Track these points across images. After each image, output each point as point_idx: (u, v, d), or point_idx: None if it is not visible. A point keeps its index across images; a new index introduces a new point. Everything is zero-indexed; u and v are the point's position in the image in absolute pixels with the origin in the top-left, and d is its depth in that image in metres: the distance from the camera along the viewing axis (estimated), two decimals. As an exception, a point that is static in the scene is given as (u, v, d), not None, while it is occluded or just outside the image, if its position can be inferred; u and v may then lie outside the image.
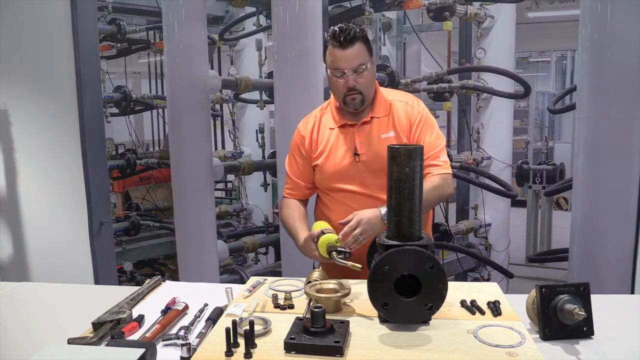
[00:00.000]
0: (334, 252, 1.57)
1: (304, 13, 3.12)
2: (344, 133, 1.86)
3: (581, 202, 2.78)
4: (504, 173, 4.96)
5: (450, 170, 1.84)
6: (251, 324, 1.19)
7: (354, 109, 1.83)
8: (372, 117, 1.85)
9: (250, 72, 5.28)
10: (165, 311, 1.46)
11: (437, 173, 1.80)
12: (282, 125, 3.23)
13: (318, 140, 1.90)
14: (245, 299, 1.50)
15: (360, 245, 1.64)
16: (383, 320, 1.33)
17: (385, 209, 1.63)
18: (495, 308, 1.38)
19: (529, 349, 1.19)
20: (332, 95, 1.92)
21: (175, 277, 4.15)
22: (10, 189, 2.66)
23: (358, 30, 1.76)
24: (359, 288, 1.47)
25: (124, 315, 1.40)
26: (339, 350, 1.17)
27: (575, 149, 2.81)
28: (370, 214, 1.65)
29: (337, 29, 1.75)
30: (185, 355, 1.20)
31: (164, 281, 1.76)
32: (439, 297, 1.30)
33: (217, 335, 1.25)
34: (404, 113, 1.85)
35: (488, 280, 4.72)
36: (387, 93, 1.92)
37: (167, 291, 1.66)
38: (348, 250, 1.57)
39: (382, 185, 1.77)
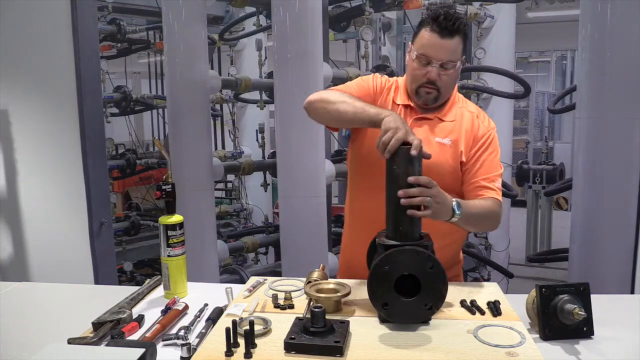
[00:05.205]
0: None
1: (304, 13, 3.12)
2: (404, 115, 1.65)
3: (581, 202, 2.78)
4: (504, 173, 4.95)
5: (501, 200, 1.61)
6: (251, 324, 1.19)
7: (424, 104, 1.66)
8: (436, 117, 1.68)
9: (250, 72, 5.28)
10: (165, 311, 1.46)
11: (490, 197, 1.60)
12: (282, 125, 3.23)
13: (380, 105, 1.66)
14: (245, 299, 1.50)
15: (424, 204, 1.34)
16: (383, 320, 1.33)
17: (456, 200, 1.45)
18: (495, 308, 1.38)
19: (529, 349, 1.19)
20: (405, 78, 1.72)
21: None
22: (10, 189, 2.66)
23: (463, 24, 1.58)
24: (359, 288, 1.47)
25: (124, 315, 1.40)
26: (339, 350, 1.16)
27: (575, 149, 2.81)
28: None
29: (443, 14, 1.55)
30: (185, 355, 1.20)
31: (164, 281, 1.76)
32: (439, 297, 1.30)
33: (217, 335, 1.25)
34: (471, 125, 1.68)
35: (488, 280, 4.72)
36: (459, 100, 1.75)
37: (167, 291, 1.65)
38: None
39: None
